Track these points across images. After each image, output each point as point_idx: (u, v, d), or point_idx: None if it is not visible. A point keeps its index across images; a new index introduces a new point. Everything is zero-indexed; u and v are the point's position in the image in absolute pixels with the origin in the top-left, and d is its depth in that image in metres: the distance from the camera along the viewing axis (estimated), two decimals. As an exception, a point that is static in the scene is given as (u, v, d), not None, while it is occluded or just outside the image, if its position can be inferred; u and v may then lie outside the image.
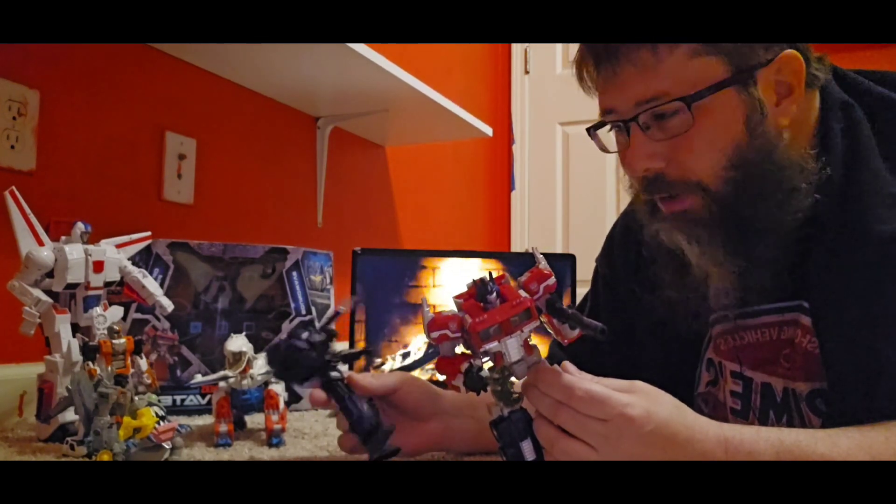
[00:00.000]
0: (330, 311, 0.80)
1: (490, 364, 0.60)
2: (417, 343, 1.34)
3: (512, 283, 0.60)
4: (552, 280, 0.59)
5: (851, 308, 0.66)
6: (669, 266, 0.75)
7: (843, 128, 0.70)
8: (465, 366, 0.60)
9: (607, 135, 0.76)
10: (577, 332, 0.60)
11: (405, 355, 1.33)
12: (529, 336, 0.59)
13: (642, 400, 0.58)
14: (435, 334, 0.59)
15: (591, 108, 0.76)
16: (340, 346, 0.78)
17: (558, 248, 2.84)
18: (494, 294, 0.58)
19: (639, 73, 0.67)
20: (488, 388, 0.61)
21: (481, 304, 0.58)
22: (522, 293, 0.58)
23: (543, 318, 0.60)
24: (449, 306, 0.62)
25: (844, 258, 0.66)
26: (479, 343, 0.57)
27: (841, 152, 0.69)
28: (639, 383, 0.60)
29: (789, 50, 0.68)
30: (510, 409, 0.61)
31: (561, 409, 0.58)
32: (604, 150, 0.79)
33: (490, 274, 0.59)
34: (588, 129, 0.78)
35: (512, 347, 0.58)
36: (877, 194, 0.66)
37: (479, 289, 0.58)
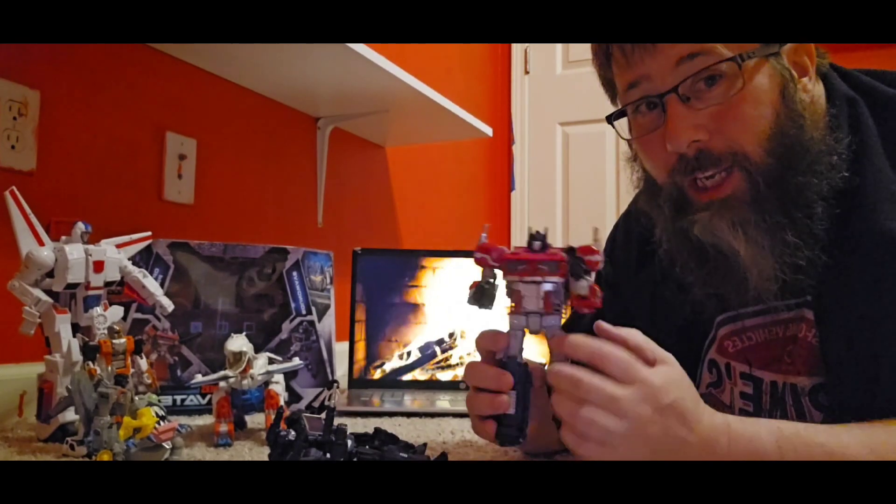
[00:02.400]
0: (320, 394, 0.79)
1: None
2: (417, 343, 1.34)
3: None
4: (597, 257, 0.61)
5: (853, 306, 0.66)
6: (691, 264, 0.72)
7: (849, 123, 0.70)
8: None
9: (623, 122, 0.74)
10: (587, 289, 0.61)
11: (404, 355, 1.34)
12: (554, 293, 0.61)
13: (664, 375, 0.59)
14: (478, 255, 0.64)
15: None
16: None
17: (558, 248, 2.84)
18: (540, 243, 0.61)
19: None
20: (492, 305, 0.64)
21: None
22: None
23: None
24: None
25: (846, 255, 0.66)
26: (505, 273, 0.62)
27: (846, 146, 0.69)
28: (671, 357, 0.61)
29: None
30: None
31: (582, 382, 0.58)
32: (623, 138, 0.76)
33: (546, 229, 0.63)
34: (608, 118, 0.75)
35: (529, 291, 0.61)
36: (880, 191, 0.66)
37: (530, 236, 0.62)
